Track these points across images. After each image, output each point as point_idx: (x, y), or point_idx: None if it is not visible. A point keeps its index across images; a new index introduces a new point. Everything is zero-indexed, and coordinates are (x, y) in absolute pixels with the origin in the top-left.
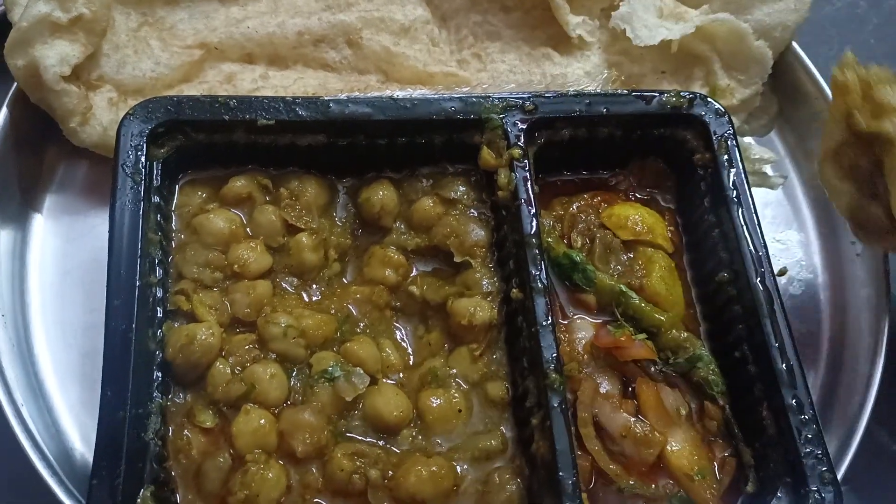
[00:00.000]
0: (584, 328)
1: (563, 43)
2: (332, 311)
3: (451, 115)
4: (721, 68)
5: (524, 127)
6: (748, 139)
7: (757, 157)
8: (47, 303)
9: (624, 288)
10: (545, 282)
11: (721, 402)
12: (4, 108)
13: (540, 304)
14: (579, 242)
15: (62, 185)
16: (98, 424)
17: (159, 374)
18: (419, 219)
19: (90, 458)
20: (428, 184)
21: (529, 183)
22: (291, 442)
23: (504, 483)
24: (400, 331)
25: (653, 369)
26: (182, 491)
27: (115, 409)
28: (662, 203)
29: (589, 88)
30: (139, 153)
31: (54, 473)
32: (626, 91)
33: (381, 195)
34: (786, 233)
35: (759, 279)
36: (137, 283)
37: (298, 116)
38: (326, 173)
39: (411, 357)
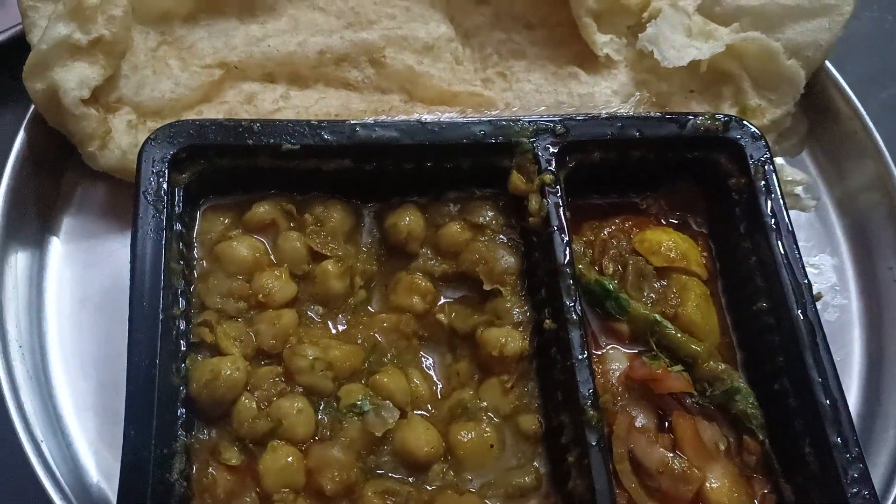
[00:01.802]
0: (617, 359)
1: (588, 61)
2: (359, 341)
3: (480, 138)
4: (751, 87)
5: (555, 151)
6: (779, 160)
7: (789, 178)
8: (64, 332)
9: (658, 317)
10: (580, 313)
11: (760, 437)
12: (22, 132)
13: (575, 336)
14: (611, 269)
15: (79, 208)
16: (121, 466)
17: (183, 411)
18: (447, 244)
19: (109, 492)
20: (455, 209)
21: (562, 209)
22: (320, 480)
23: None
24: (427, 360)
25: (689, 402)
26: None
27: (139, 448)
28: (695, 227)
29: (620, 110)
30: (161, 179)
31: None
32: (658, 114)
33: (408, 220)
34: (819, 257)
35: (800, 310)
36: (161, 316)
37: (324, 141)
38: (351, 198)
39: (439, 387)
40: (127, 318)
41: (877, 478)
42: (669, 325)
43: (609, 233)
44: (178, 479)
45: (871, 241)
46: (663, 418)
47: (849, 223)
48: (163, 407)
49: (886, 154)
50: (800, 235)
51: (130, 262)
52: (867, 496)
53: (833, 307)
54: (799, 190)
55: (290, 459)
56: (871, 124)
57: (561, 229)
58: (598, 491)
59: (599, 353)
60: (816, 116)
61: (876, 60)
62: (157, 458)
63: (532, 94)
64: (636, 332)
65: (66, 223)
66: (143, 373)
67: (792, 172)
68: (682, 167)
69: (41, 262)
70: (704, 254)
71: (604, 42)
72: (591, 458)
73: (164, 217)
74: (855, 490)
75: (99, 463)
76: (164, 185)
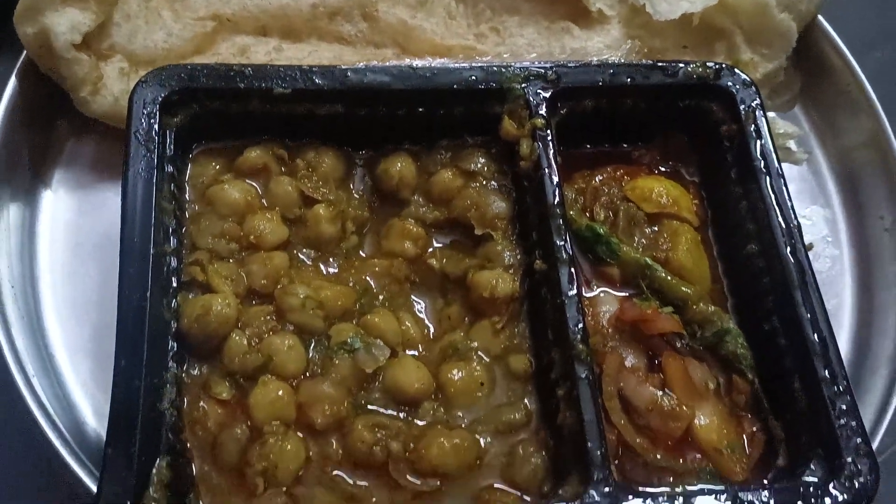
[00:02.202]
0: (608, 302)
1: (582, 17)
2: (351, 284)
3: (471, 84)
4: (744, 42)
5: (547, 97)
6: (772, 114)
7: (781, 131)
8: (57, 277)
9: (649, 261)
10: (570, 252)
11: (750, 376)
12: (13, 79)
13: (565, 274)
14: (602, 215)
15: (72, 158)
16: (112, 393)
17: (174, 344)
18: (439, 191)
19: (102, 432)
20: (447, 156)
21: (552, 153)
22: (310, 413)
23: (528, 455)
24: (418, 304)
25: (679, 344)
26: (198, 462)
27: (130, 377)
28: (687, 177)
29: (612, 58)
30: (152, 121)
31: (66, 444)
32: (650, 62)
33: (400, 167)
34: (811, 208)
35: (789, 250)
36: (152, 252)
37: (316, 85)
38: (343, 145)
39: (431, 331)
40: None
41: (866, 421)
42: (660, 268)
43: (600, 180)
44: (169, 408)
45: (862, 193)
46: (653, 359)
47: (840, 175)
48: (153, 339)
49: (879, 108)
50: (791, 188)
51: (122, 199)
52: (855, 427)
53: (825, 258)
54: (791, 143)
55: (280, 393)
56: (864, 80)
57: (551, 172)
58: (586, 421)
59: (590, 295)
60: (810, 73)
61: (872, 21)
62: (148, 386)
63: (525, 48)
64: (627, 276)
65: (59, 172)
66: (135, 306)
67: (784, 125)
68: (673, 116)
69: (33, 209)
70: (696, 202)
71: None
72: (580, 390)
73: (154, 157)
74: (843, 421)
75: (92, 404)
76: (156, 127)
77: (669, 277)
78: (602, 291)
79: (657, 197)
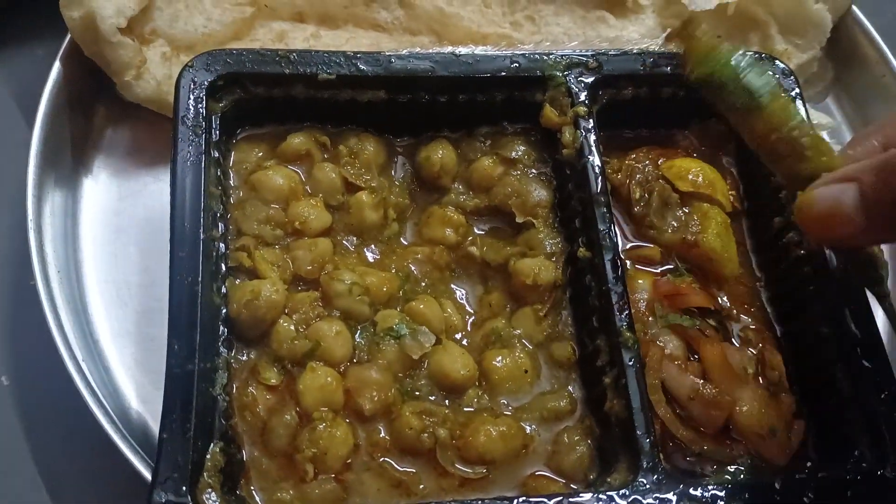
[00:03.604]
0: (645, 288)
1: (617, 6)
2: (393, 271)
3: (513, 71)
4: (778, 32)
5: (588, 84)
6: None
7: (814, 122)
8: (100, 261)
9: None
10: (615, 239)
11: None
12: (57, 63)
13: (609, 262)
14: (637, 193)
15: (111, 143)
16: (166, 377)
17: (225, 329)
18: (479, 179)
19: (147, 416)
20: (486, 143)
21: (594, 140)
22: (358, 400)
23: (574, 444)
24: (459, 291)
25: (710, 330)
26: (248, 448)
27: (184, 361)
28: (725, 164)
29: (651, 46)
30: (199, 105)
31: (117, 428)
32: None
33: (441, 154)
34: None
35: None
36: (202, 237)
37: (360, 71)
38: (383, 132)
39: (472, 317)
40: (161, 248)
41: None
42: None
43: (636, 157)
44: (221, 393)
45: None
46: (691, 345)
47: None
48: (205, 323)
49: None
50: None
51: (171, 185)
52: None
53: None
54: (824, 134)
55: (328, 379)
56: None
57: (594, 159)
58: (634, 409)
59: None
60: (842, 62)
61: None
62: (202, 370)
63: (560, 37)
64: (665, 254)
65: (99, 157)
66: (187, 289)
67: (817, 116)
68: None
69: (76, 193)
70: (732, 192)
71: None
72: (628, 378)
73: (202, 142)
74: (887, 408)
75: (137, 389)
76: (202, 112)
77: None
78: (640, 279)
79: (694, 177)
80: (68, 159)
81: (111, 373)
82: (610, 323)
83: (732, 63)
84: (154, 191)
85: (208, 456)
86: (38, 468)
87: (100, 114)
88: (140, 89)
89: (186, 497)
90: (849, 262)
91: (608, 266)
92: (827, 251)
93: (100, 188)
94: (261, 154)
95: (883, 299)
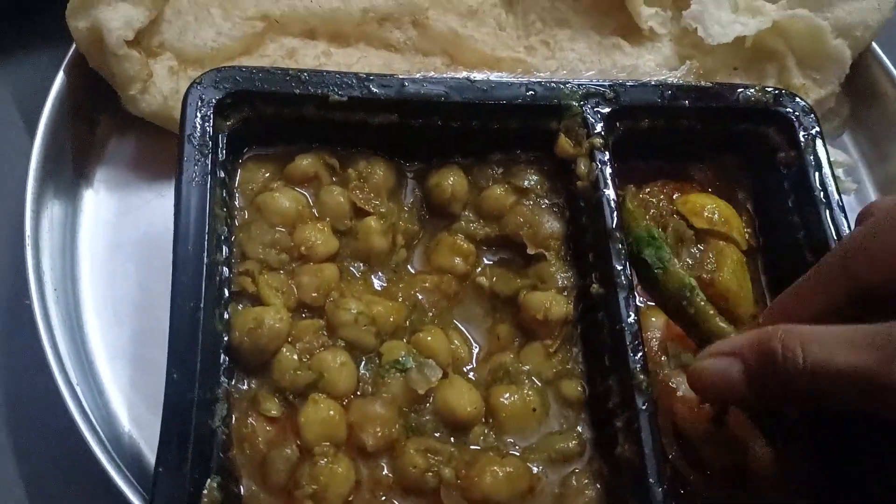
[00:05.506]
0: (657, 326)
1: (633, 33)
2: (400, 299)
3: (529, 99)
4: (796, 66)
5: (605, 115)
6: None
7: (832, 160)
8: (97, 278)
9: (694, 283)
10: (629, 277)
11: None
12: (61, 73)
13: (623, 299)
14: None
15: (113, 156)
16: (164, 408)
17: (226, 358)
18: (489, 207)
19: (141, 443)
20: (499, 171)
21: (610, 173)
22: (361, 435)
23: (582, 487)
24: (466, 323)
25: None
26: (246, 482)
27: (183, 391)
28: (739, 200)
29: (669, 79)
30: (206, 124)
31: (110, 457)
32: (709, 84)
33: (452, 181)
34: None
35: None
36: (205, 261)
37: (372, 94)
38: (394, 156)
39: (480, 351)
40: (160, 266)
41: None
42: (703, 296)
43: (650, 192)
44: (220, 426)
45: None
46: None
47: None
48: (206, 351)
49: None
50: None
51: (175, 206)
52: None
53: None
54: (840, 172)
55: (331, 413)
56: None
57: (610, 193)
58: (646, 455)
59: None
60: (859, 98)
61: None
62: (201, 401)
63: (576, 63)
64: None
65: (100, 171)
66: (188, 316)
67: (833, 154)
68: (729, 139)
69: (75, 207)
70: (748, 230)
71: (648, 14)
72: (640, 422)
73: (209, 162)
74: None
75: (130, 412)
76: (209, 130)
77: (710, 310)
78: (652, 317)
79: (709, 213)
80: (69, 171)
81: (106, 396)
82: (623, 364)
83: (644, 235)
84: (156, 207)
85: (205, 491)
86: (27, 492)
87: (103, 125)
88: (145, 104)
89: None
90: None
91: (622, 304)
92: None
93: (100, 202)
94: (268, 174)
95: None
